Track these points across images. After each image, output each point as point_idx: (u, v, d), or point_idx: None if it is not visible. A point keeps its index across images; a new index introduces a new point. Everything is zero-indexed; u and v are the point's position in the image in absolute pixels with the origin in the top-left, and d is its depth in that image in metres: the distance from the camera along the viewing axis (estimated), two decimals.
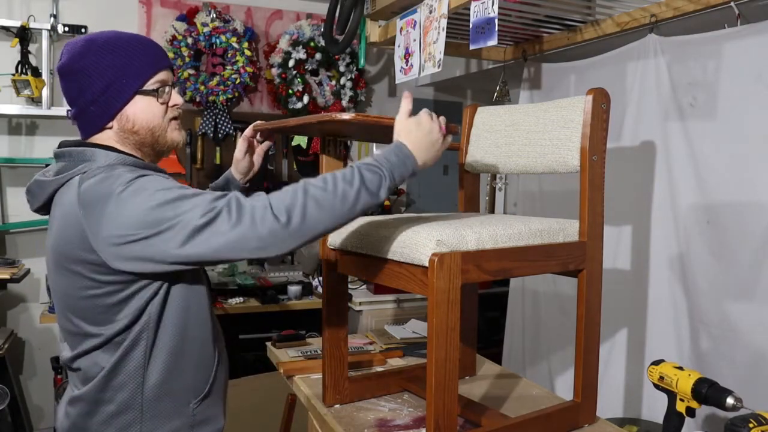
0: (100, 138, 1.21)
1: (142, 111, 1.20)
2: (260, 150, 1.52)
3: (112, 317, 1.12)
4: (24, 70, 2.95)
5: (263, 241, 1.03)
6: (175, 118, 1.27)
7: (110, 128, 1.20)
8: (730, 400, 1.33)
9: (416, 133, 1.15)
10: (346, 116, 1.15)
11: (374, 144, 3.84)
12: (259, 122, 1.48)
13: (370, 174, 1.08)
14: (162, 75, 1.22)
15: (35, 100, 3.03)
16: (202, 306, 1.24)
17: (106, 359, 1.14)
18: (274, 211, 1.03)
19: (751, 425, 1.21)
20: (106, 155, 1.16)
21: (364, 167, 1.09)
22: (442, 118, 1.20)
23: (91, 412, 1.16)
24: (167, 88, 1.24)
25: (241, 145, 1.49)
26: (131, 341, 1.14)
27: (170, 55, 3.24)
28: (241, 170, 1.52)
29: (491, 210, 3.46)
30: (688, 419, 1.44)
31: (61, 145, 1.21)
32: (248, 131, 1.48)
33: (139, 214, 1.04)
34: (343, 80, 3.59)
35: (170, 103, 1.25)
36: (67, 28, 3.05)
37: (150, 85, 1.21)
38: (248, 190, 1.51)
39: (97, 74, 1.16)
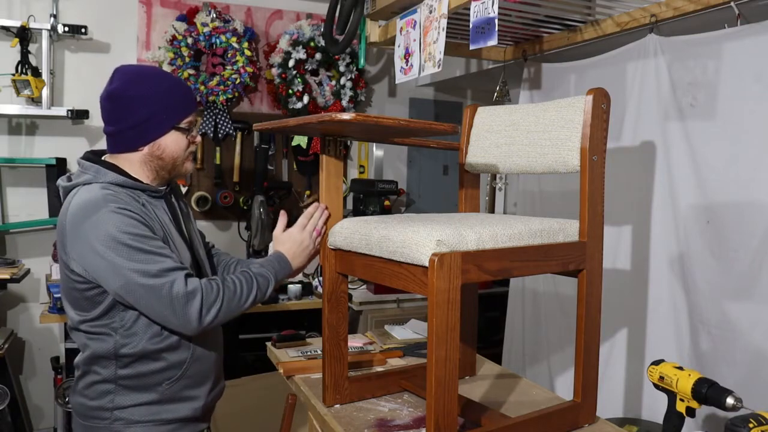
0: (126, 157, 1.42)
1: (172, 143, 1.43)
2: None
3: (88, 308, 1.36)
4: (24, 70, 2.95)
5: (180, 325, 1.31)
6: (192, 152, 1.50)
7: (141, 150, 1.41)
8: (730, 400, 1.33)
9: (290, 244, 1.51)
10: (346, 116, 1.15)
11: (374, 144, 3.84)
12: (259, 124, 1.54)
13: (262, 280, 1.43)
14: (192, 116, 1.46)
15: (35, 100, 3.03)
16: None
17: (89, 339, 1.38)
18: (197, 308, 1.30)
19: (751, 425, 1.21)
20: (105, 174, 1.37)
21: (259, 276, 1.42)
22: (321, 220, 1.49)
23: (81, 376, 1.43)
24: (194, 128, 1.48)
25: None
26: (108, 331, 1.36)
27: (170, 55, 3.24)
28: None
29: (491, 210, 3.46)
30: (688, 419, 1.44)
31: (85, 154, 1.44)
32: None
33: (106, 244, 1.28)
34: (343, 80, 3.59)
35: (194, 140, 1.48)
36: (67, 28, 3.04)
37: (183, 123, 1.44)
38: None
39: (142, 106, 1.37)
